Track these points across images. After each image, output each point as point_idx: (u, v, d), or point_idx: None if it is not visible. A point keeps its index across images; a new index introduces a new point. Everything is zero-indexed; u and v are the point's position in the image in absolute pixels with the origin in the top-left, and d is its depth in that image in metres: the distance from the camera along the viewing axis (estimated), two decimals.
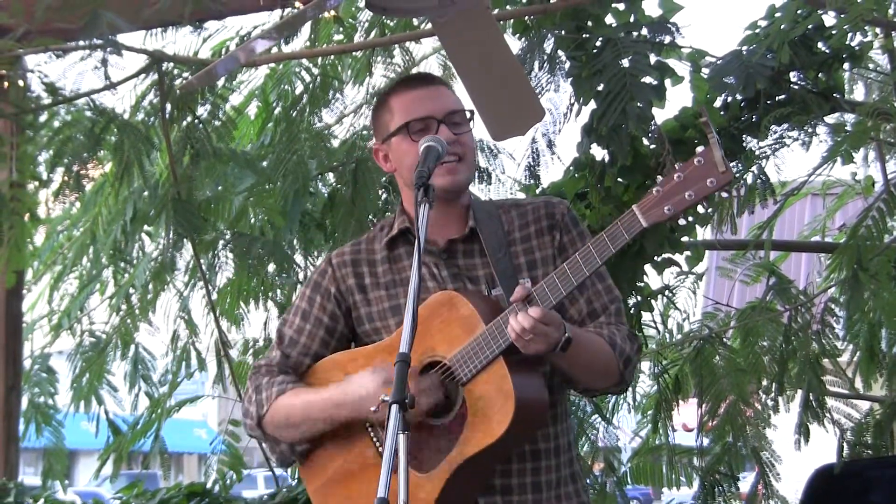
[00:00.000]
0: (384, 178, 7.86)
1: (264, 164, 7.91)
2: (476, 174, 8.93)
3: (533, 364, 3.41)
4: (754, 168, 6.69)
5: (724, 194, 3.35)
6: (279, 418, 3.62)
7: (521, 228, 3.64)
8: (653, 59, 6.31)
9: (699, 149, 3.25)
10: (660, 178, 3.27)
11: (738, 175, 6.67)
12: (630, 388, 7.87)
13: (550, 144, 7.11)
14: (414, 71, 8.14)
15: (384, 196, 8.05)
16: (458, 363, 3.40)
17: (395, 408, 2.94)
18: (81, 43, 6.83)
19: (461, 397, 3.40)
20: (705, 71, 6.74)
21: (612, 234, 3.28)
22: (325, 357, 3.70)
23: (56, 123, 7.33)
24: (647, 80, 6.17)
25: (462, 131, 3.61)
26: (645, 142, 6.61)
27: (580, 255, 3.31)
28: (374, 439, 3.54)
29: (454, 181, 3.57)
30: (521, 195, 7.65)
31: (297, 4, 6.69)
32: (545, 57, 6.71)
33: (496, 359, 3.36)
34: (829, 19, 6.45)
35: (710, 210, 6.58)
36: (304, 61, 7.91)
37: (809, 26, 6.38)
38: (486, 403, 3.36)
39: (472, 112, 3.68)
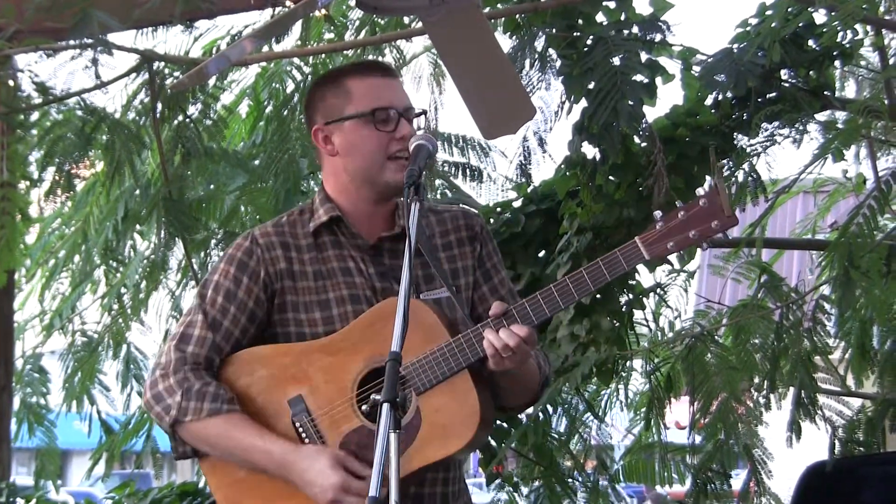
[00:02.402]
0: None
1: (255, 163, 7.92)
2: (464, 172, 8.96)
3: (487, 379, 3.36)
4: (745, 166, 6.70)
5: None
6: (206, 439, 3.41)
7: (443, 235, 3.55)
8: (644, 57, 6.33)
9: (702, 189, 3.30)
10: (659, 212, 3.30)
11: (729, 172, 6.69)
12: (623, 386, 7.90)
13: (542, 143, 7.11)
14: (404, 70, 8.16)
15: None
16: (415, 372, 3.29)
17: (386, 407, 2.88)
18: (72, 42, 6.81)
19: (416, 405, 3.30)
20: (696, 69, 6.75)
21: (610, 262, 3.26)
22: (242, 346, 3.48)
23: (47, 123, 7.31)
24: (638, 78, 6.18)
25: (416, 129, 3.51)
26: (636, 140, 6.62)
27: (571, 279, 3.27)
28: (305, 439, 3.39)
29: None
30: (513, 194, 7.67)
31: (288, 3, 6.69)
32: (536, 55, 6.72)
33: (460, 371, 3.29)
34: (820, 17, 6.47)
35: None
36: (295, 60, 7.92)
37: (800, 24, 6.40)
38: (445, 417, 3.29)
39: (424, 112, 3.59)
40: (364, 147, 3.46)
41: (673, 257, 7.04)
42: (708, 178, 6.77)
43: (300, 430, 3.39)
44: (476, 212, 3.70)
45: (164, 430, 3.47)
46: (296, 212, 3.58)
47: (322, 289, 3.47)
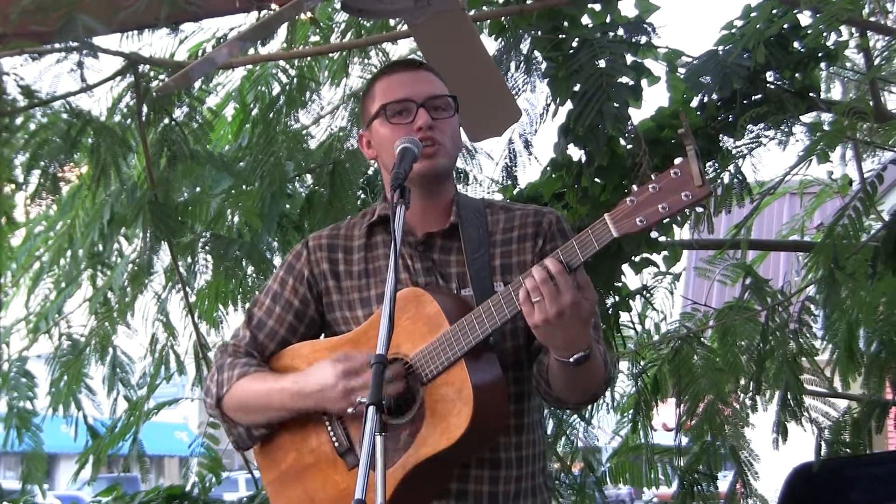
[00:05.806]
0: (362, 179, 7.85)
1: (241, 165, 7.90)
2: (456, 168, 8.92)
3: (495, 369, 3.32)
4: (731, 167, 6.70)
5: (699, 209, 3.15)
6: (238, 401, 3.54)
7: (505, 232, 3.53)
8: (629, 59, 6.33)
9: (677, 159, 3.14)
10: (635, 187, 3.12)
11: (715, 174, 6.69)
12: (609, 389, 7.89)
13: (527, 145, 7.12)
14: None
15: (362, 197, 8.05)
16: (420, 362, 3.30)
17: (371, 409, 2.87)
18: (57, 45, 6.78)
19: (421, 397, 3.30)
20: (682, 71, 6.76)
21: (582, 243, 3.14)
22: (291, 344, 3.60)
23: (32, 126, 7.28)
24: (624, 80, 6.18)
25: (442, 117, 3.48)
26: (622, 142, 6.62)
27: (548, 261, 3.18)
28: (332, 434, 3.45)
29: (431, 165, 3.44)
30: (499, 196, 7.65)
31: (274, 6, 6.68)
32: (522, 58, 6.72)
33: (458, 361, 3.26)
34: (805, 19, 6.48)
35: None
36: (281, 63, 7.90)
37: (785, 26, 6.41)
38: (445, 406, 3.26)
39: (454, 98, 3.54)
40: (385, 143, 3.49)
41: (659, 259, 7.07)
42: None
43: (326, 421, 3.47)
44: (551, 210, 3.59)
45: (217, 417, 3.62)
46: (359, 214, 3.69)
47: (365, 287, 3.55)
